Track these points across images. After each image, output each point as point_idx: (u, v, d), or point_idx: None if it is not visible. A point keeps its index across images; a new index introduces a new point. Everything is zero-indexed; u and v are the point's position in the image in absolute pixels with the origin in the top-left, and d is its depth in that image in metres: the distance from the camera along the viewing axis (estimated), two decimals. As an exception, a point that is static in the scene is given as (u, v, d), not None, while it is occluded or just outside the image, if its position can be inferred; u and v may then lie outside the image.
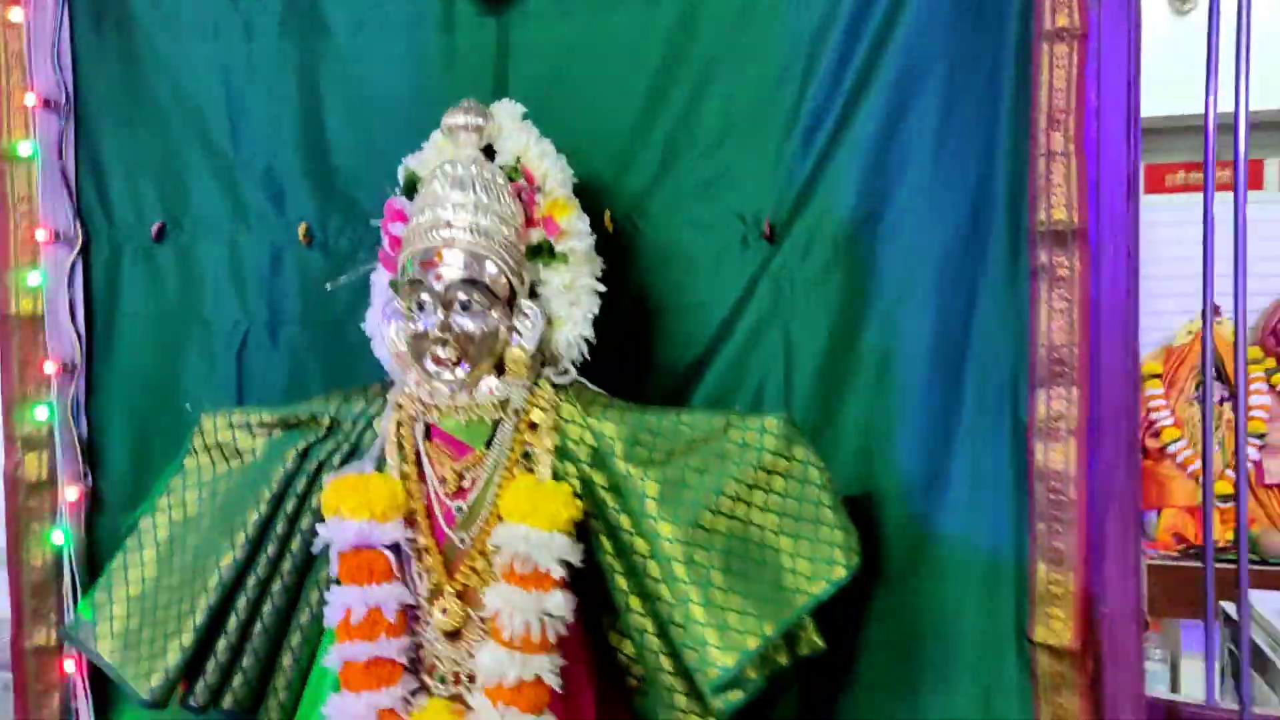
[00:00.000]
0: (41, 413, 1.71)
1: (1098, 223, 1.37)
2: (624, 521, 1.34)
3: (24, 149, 1.69)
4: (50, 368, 1.70)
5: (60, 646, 1.74)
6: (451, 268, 1.33)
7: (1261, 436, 3.22)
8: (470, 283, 1.33)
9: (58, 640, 1.74)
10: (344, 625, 1.33)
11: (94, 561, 1.73)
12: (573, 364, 1.41)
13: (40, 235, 1.70)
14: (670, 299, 1.54)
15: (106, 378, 1.74)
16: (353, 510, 1.33)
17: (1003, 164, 1.40)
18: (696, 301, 1.54)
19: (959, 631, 1.46)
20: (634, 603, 1.35)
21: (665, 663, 1.35)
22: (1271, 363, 3.31)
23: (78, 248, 1.72)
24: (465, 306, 1.34)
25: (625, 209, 1.55)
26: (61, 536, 1.72)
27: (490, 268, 1.34)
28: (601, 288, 1.41)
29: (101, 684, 1.73)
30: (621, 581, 1.36)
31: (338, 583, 1.36)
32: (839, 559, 1.31)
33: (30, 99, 1.69)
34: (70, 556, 1.72)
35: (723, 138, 1.52)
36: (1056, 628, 1.39)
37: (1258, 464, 3.15)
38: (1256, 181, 3.20)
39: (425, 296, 1.34)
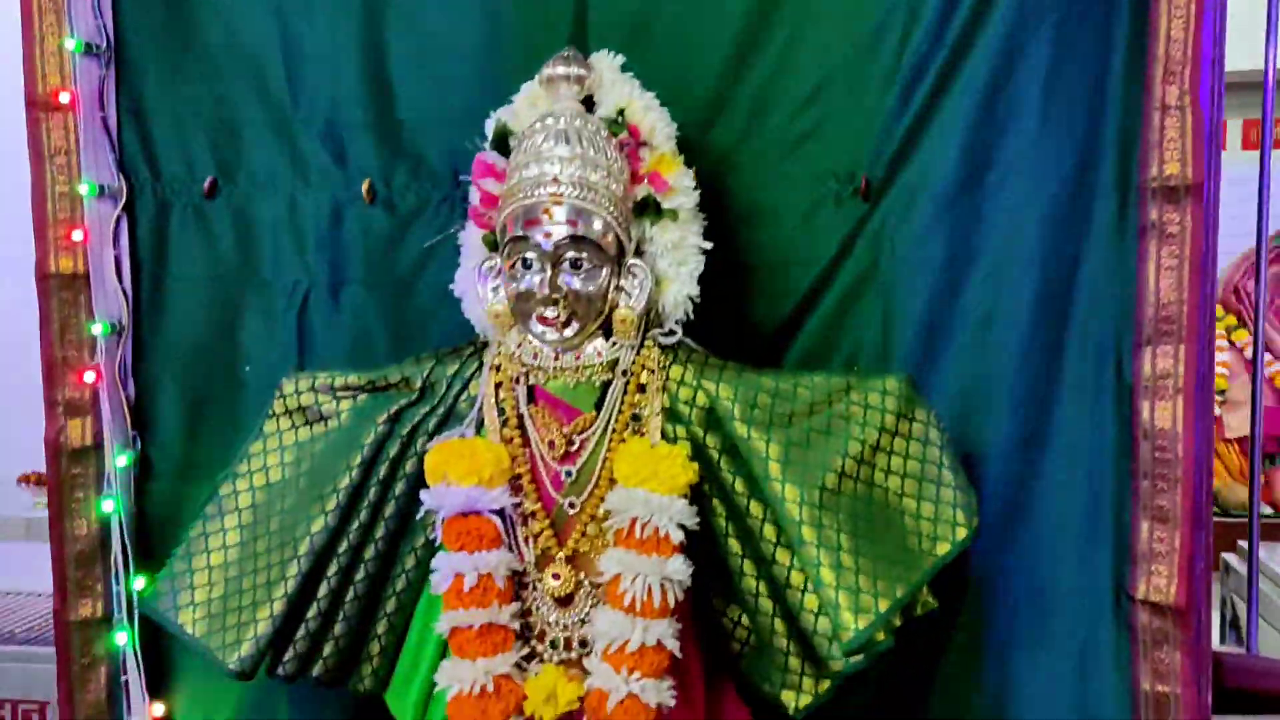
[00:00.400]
0: (87, 376, 1.63)
1: (1209, 178, 1.37)
2: (738, 484, 1.33)
3: (62, 98, 1.61)
4: (97, 329, 1.62)
5: (107, 619, 1.69)
6: (559, 224, 1.30)
7: (1222, 393, 3.34)
8: (579, 240, 1.30)
9: (104, 613, 1.69)
10: (454, 592, 1.30)
11: (143, 530, 1.68)
12: (677, 324, 1.37)
13: (83, 189, 1.61)
14: (759, 258, 1.52)
15: (155, 340, 1.68)
16: (460, 475, 1.30)
17: (1113, 118, 1.39)
18: (786, 260, 1.52)
19: (1055, 589, 1.47)
20: (748, 566, 1.34)
21: (779, 625, 1.34)
22: (1232, 320, 3.43)
23: (122, 203, 1.64)
24: (574, 265, 1.30)
25: (711, 164, 1.50)
26: (111, 504, 1.65)
27: (598, 224, 1.30)
28: (708, 245, 1.38)
29: (154, 657, 1.69)
30: (735, 545, 1.34)
31: (442, 548, 1.32)
32: (960, 520, 1.31)
33: (68, 44, 1.60)
34: (121, 525, 1.65)
35: (817, 91, 1.49)
36: (1160, 584, 1.40)
37: (1218, 419, 3.28)
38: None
39: (531, 254, 1.30)
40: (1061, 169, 1.42)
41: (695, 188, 1.38)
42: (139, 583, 1.66)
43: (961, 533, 1.30)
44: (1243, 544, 2.47)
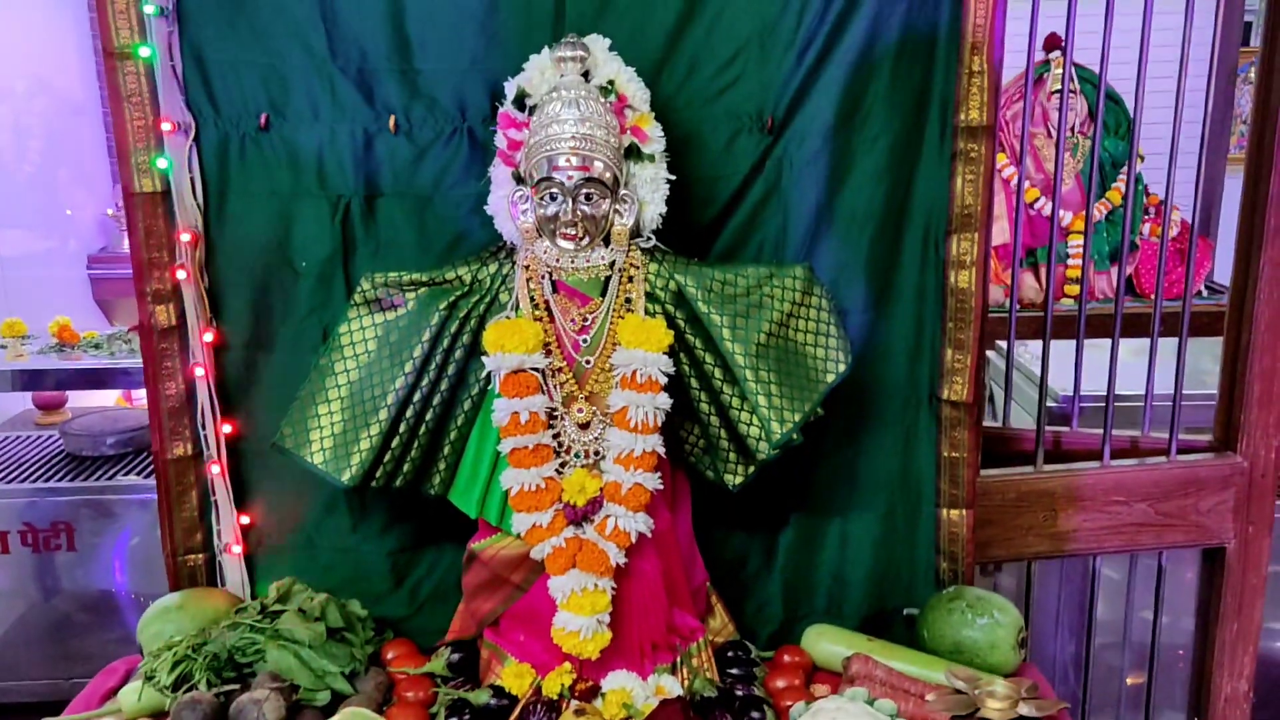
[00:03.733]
0: (179, 274, 2.08)
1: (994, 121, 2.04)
2: (698, 343, 1.93)
3: (143, 51, 1.99)
4: (181, 235, 2.06)
5: (197, 455, 2.19)
6: (576, 169, 1.83)
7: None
8: (589, 179, 1.84)
9: (193, 451, 2.19)
10: (511, 424, 1.88)
11: (220, 389, 2.17)
12: (651, 234, 1.96)
13: (165, 126, 2.02)
14: (693, 176, 2.04)
15: (224, 243, 2.10)
16: (511, 345, 1.87)
17: (938, 78, 2.04)
18: (714, 177, 2.08)
19: (890, 392, 2.20)
20: (703, 396, 1.96)
21: (723, 433, 1.97)
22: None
23: (192, 135, 2.05)
24: (587, 197, 1.85)
25: (658, 106, 2.03)
26: (199, 370, 2.13)
27: (601, 166, 1.85)
28: (672, 177, 1.94)
29: (235, 483, 2.22)
30: (695, 383, 1.96)
31: (498, 396, 1.90)
32: (842, 359, 1.96)
33: (147, 8, 1.96)
34: (209, 385, 2.14)
35: (736, 53, 2.02)
36: (957, 389, 2.15)
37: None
38: None
39: (555, 190, 1.84)
40: (904, 113, 2.05)
41: (663, 136, 1.94)
42: (227, 426, 2.18)
43: (841, 367, 1.96)
44: (1001, 342, 3.26)
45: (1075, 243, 4.02)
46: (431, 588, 2.26)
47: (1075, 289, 3.97)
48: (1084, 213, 3.64)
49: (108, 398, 4.75)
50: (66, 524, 3.52)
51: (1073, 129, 4.09)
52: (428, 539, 2.24)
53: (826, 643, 2.15)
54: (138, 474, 3.62)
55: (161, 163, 2.03)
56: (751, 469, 1.99)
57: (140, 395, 4.41)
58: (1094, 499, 2.50)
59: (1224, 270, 2.82)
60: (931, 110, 2.06)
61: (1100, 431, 2.56)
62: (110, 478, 3.61)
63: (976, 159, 2.05)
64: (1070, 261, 4.02)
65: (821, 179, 2.08)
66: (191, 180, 2.07)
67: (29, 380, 3.86)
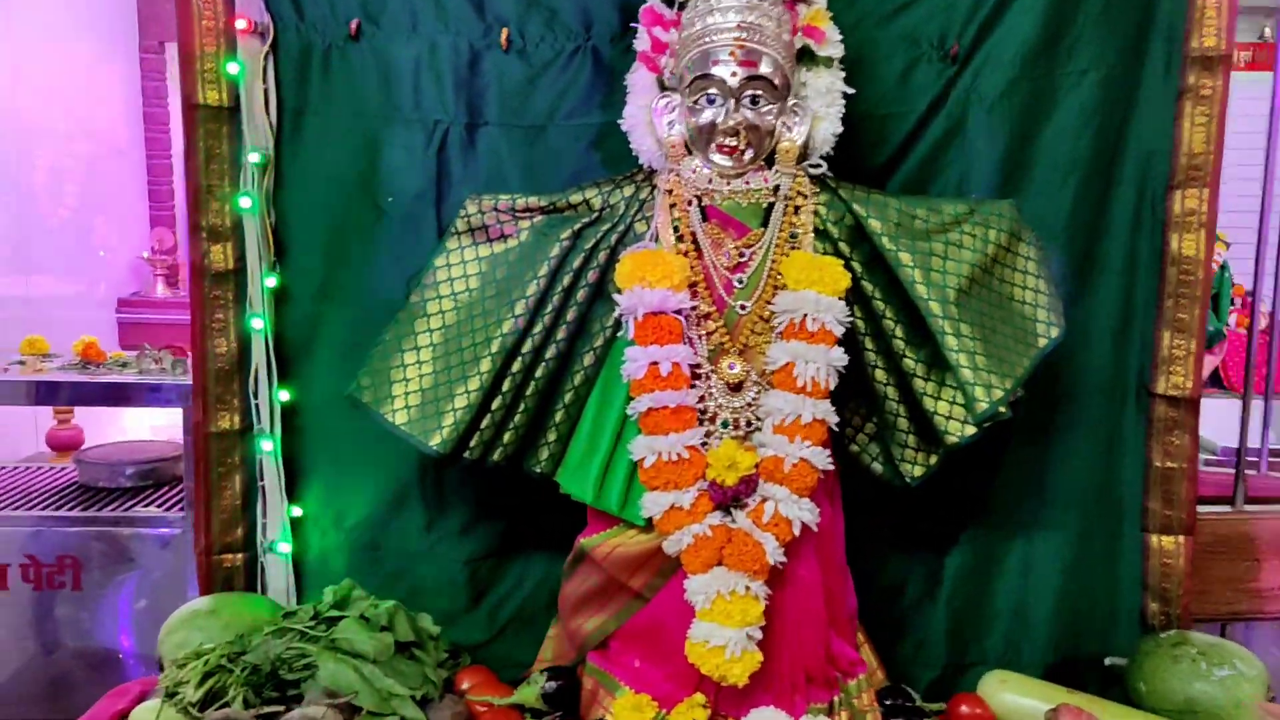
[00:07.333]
0: (243, 202, 1.74)
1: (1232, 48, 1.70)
2: (877, 293, 1.57)
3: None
4: (253, 157, 1.73)
5: (245, 431, 1.81)
6: (740, 65, 1.50)
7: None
8: (755, 79, 1.50)
9: (241, 424, 1.81)
10: (649, 378, 1.50)
11: (279, 349, 1.80)
12: (822, 159, 1.60)
13: (240, 24, 1.70)
14: (859, 110, 1.70)
15: (295, 172, 1.78)
16: (653, 281, 1.50)
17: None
18: (882, 113, 1.74)
19: (1087, 386, 1.80)
20: (880, 360, 1.59)
21: (901, 409, 1.60)
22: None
23: (269, 40, 1.73)
24: (753, 101, 1.51)
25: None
26: (260, 322, 1.77)
27: (770, 65, 1.51)
28: (851, 90, 1.60)
29: (287, 465, 1.83)
30: (870, 343, 1.59)
31: (629, 343, 1.53)
32: (1055, 320, 1.59)
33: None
34: (267, 341, 1.78)
35: None
36: (1178, 382, 1.75)
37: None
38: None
39: (714, 90, 1.50)
40: (1119, 42, 1.71)
41: (841, 39, 1.60)
42: (284, 393, 1.80)
43: (1055, 331, 1.59)
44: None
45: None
46: (515, 608, 1.86)
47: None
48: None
49: (124, 431, 4.40)
50: (74, 558, 3.13)
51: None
52: (516, 545, 1.85)
53: (1011, 693, 1.71)
54: (158, 507, 3.24)
55: (232, 68, 1.71)
56: (934, 458, 1.60)
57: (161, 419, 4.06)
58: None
59: None
60: (1154, 37, 1.72)
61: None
62: (127, 510, 3.24)
63: (1210, 96, 1.70)
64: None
65: (1014, 119, 1.74)
66: (265, 94, 1.74)
67: (46, 393, 3.51)
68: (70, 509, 3.30)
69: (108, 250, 5.75)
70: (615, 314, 1.55)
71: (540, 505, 1.70)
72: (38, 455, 4.25)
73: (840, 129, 1.59)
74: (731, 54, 1.49)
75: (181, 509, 3.12)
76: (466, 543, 1.84)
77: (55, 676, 3.37)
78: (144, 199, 5.89)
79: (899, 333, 1.57)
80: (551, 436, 1.63)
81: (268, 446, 1.80)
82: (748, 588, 1.48)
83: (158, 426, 4.22)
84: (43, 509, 3.29)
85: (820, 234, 1.58)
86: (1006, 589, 1.82)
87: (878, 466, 1.67)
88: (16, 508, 3.28)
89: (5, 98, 4.40)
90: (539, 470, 1.63)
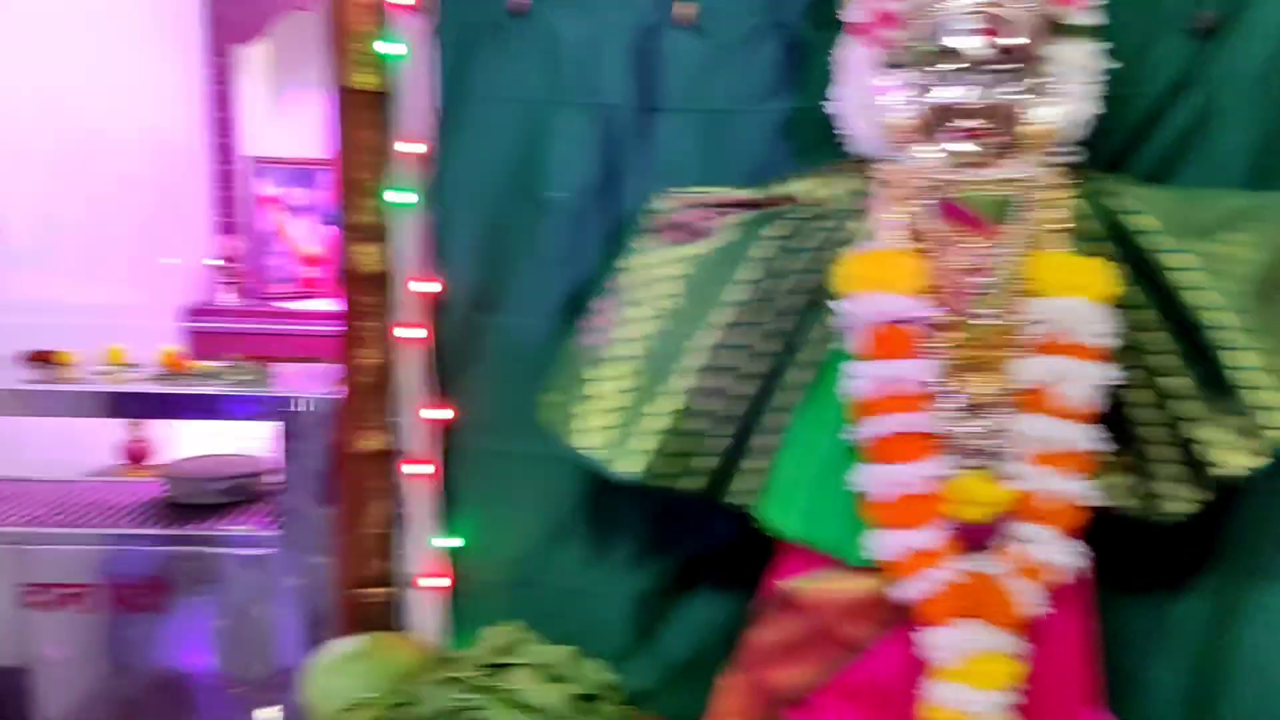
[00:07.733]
0: (401, 196, 1.57)
1: None
2: (1139, 298, 1.37)
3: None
4: (407, 147, 1.55)
5: (389, 452, 1.63)
6: (984, 36, 1.30)
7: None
8: (1001, 51, 1.30)
9: (387, 445, 1.63)
10: (880, 399, 1.31)
11: (440, 360, 1.64)
12: (1075, 144, 1.39)
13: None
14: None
15: (454, 163, 1.62)
16: (883, 286, 1.31)
17: None
18: (1118, 94, 1.53)
19: None
20: (1140, 378, 1.38)
21: (1164, 435, 1.39)
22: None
23: (431, 18, 1.56)
24: (996, 77, 1.31)
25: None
26: (412, 332, 1.60)
27: (1017, 35, 1.32)
28: (1114, 65, 1.39)
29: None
30: (1129, 358, 1.38)
31: (848, 358, 1.33)
32: None
33: None
34: (427, 354, 1.61)
35: None
36: None
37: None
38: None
39: (950, 66, 1.31)
40: None
41: (1097, 5, 1.39)
42: (438, 413, 1.62)
43: None
44: None
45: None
46: (689, 651, 1.66)
47: None
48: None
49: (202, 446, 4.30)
50: (157, 577, 3.00)
51: None
52: (687, 580, 1.66)
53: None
54: (247, 524, 3.10)
55: (392, 48, 1.53)
56: (1206, 493, 1.38)
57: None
58: None
59: None
60: None
61: None
62: (212, 527, 3.10)
63: None
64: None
65: (1276, 103, 1.51)
66: (422, 78, 1.57)
67: (132, 405, 3.39)
68: (156, 526, 3.17)
69: (171, 258, 5.67)
70: (833, 324, 1.35)
71: (719, 538, 1.51)
72: (105, 469, 4.13)
73: (1097, 110, 1.38)
74: (973, 22, 1.30)
75: (274, 527, 2.97)
76: (632, 578, 1.65)
77: (127, 699, 3.25)
78: (209, 207, 5.82)
79: (1164, 346, 1.36)
80: (751, 464, 1.43)
81: (417, 469, 1.62)
82: (1004, 644, 1.27)
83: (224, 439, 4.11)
84: (128, 526, 3.16)
85: (1078, 232, 1.37)
86: (1252, 643, 1.59)
87: (1131, 502, 1.44)
88: (99, 525, 3.13)
89: (76, 102, 4.31)
90: (736, 501, 1.44)
